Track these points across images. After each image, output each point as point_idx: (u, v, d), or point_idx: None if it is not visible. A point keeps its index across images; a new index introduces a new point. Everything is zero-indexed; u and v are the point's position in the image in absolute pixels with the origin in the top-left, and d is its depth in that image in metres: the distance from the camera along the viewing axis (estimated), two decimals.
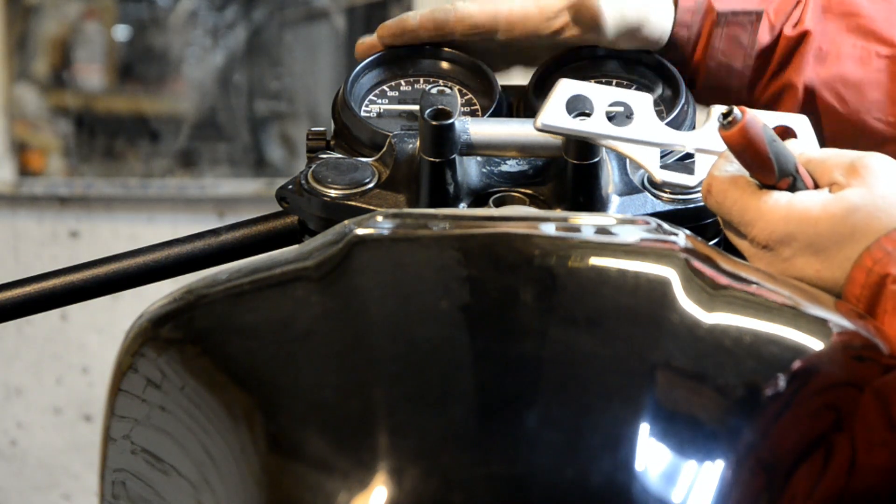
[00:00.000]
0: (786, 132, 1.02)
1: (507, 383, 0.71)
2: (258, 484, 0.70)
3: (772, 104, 1.19)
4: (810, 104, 1.19)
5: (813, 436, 0.75)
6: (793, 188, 0.93)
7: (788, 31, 1.19)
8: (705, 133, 1.01)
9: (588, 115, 1.00)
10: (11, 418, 3.76)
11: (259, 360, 0.77)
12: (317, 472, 0.69)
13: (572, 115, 1.00)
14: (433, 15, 1.15)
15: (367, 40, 1.17)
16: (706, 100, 1.19)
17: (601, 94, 1.00)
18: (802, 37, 1.19)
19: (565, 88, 1.00)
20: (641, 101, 1.01)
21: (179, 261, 1.12)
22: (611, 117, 1.00)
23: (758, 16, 1.18)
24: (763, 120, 0.93)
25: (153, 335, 0.83)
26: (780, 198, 0.93)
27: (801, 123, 1.02)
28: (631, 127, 1.00)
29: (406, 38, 1.16)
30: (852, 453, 0.76)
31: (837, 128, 1.19)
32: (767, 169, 0.92)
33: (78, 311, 3.60)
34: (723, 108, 0.92)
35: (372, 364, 0.72)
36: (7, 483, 3.78)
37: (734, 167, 0.95)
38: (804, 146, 0.98)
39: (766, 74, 1.19)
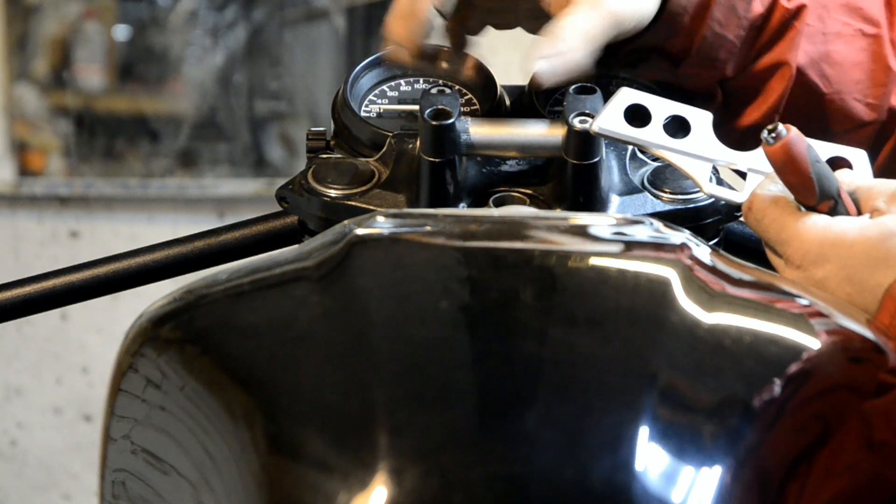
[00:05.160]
0: (840, 162, 1.01)
1: (507, 384, 0.71)
2: (258, 484, 0.70)
3: (760, 82, 1.14)
4: (799, 83, 1.14)
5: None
6: (833, 212, 0.93)
7: (784, 1, 1.13)
8: (759, 154, 1.01)
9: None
10: (11, 418, 3.76)
11: (259, 360, 0.77)
12: (317, 472, 0.69)
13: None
14: None
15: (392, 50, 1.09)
16: (691, 79, 1.13)
17: (660, 106, 1.02)
18: (798, 10, 1.13)
19: (625, 96, 1.02)
20: (700, 117, 1.02)
21: (179, 261, 1.12)
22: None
23: None
24: (817, 147, 0.94)
25: (153, 335, 0.83)
26: (818, 220, 0.92)
27: (858, 157, 1.02)
28: (686, 140, 1.01)
29: (417, 21, 1.07)
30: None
31: (817, 109, 1.15)
32: (808, 189, 0.92)
33: (78, 311, 3.61)
34: (769, 126, 0.92)
35: (372, 364, 0.72)
36: (7, 483, 3.78)
37: (778, 188, 0.95)
38: (855, 175, 0.97)
39: (755, 47, 1.14)
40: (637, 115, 1.02)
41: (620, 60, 1.13)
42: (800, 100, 1.15)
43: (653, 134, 1.01)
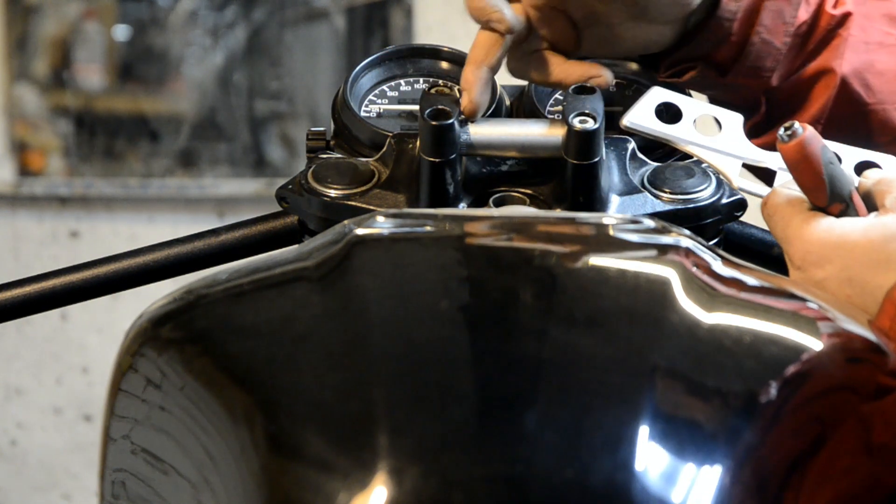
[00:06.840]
0: (867, 166, 1.00)
1: (507, 383, 0.71)
2: (258, 484, 0.70)
3: (805, 90, 1.13)
4: (842, 94, 1.13)
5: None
6: (843, 215, 0.92)
7: (829, 8, 1.12)
8: None
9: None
10: (11, 418, 3.76)
11: (259, 360, 0.77)
12: (317, 472, 0.69)
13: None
14: None
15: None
16: (738, 90, 1.12)
17: (691, 105, 1.03)
18: (844, 18, 1.13)
19: (656, 94, 1.03)
20: (731, 119, 1.03)
21: (179, 261, 1.12)
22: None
23: None
24: (848, 152, 0.93)
25: (153, 335, 0.83)
26: (822, 221, 0.91)
27: (889, 163, 1.01)
28: (717, 138, 1.02)
29: None
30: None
31: (860, 120, 1.14)
32: (819, 189, 0.92)
33: (78, 311, 3.61)
34: (786, 123, 0.93)
35: (372, 364, 0.72)
36: (7, 483, 3.78)
37: (798, 188, 0.95)
38: (882, 174, 0.96)
39: (801, 55, 1.12)
40: (668, 114, 1.03)
41: (663, 72, 1.12)
42: (842, 110, 1.14)
43: (684, 131, 1.02)
